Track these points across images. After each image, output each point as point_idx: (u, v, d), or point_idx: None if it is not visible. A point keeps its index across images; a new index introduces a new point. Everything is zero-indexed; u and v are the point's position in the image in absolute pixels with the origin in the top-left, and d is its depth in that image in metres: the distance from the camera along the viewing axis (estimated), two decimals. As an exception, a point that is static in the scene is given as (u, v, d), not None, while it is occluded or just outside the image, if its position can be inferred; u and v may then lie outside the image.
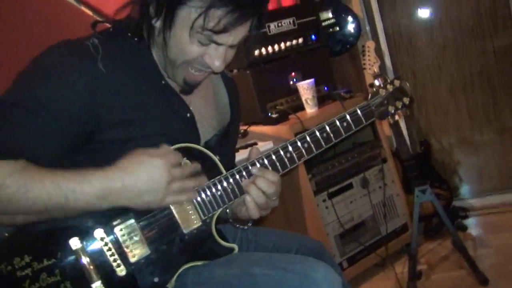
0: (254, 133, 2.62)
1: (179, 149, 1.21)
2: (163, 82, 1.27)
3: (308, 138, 1.30)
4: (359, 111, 1.36)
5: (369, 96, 1.42)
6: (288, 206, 2.61)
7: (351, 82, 3.27)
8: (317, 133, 1.31)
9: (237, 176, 1.25)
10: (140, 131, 1.18)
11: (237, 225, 1.39)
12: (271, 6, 3.22)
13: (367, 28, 3.19)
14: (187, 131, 1.29)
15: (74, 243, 1.13)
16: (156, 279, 1.19)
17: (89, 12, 2.63)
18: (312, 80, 2.63)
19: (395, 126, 2.91)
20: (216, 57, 1.20)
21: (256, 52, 2.62)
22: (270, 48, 2.67)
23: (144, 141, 1.17)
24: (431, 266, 2.63)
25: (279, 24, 2.69)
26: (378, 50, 3.01)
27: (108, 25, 1.27)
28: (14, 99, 1.09)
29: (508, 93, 3.06)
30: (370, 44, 2.89)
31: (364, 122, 1.37)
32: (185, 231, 1.22)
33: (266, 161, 1.28)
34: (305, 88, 2.63)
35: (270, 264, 1.21)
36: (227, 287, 1.20)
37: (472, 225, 2.98)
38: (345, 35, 3.11)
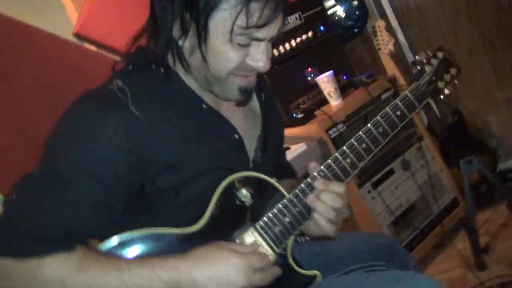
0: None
1: (233, 181, 1.12)
2: (204, 106, 1.15)
3: (364, 137, 1.21)
4: (410, 95, 1.26)
5: (417, 76, 1.31)
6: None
7: (368, 66, 3.18)
8: (373, 129, 1.22)
9: (302, 196, 1.15)
10: (192, 171, 1.08)
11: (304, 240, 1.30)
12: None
13: (374, 8, 3.09)
14: (237, 155, 1.19)
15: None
16: None
17: (93, 48, 2.58)
18: (331, 72, 2.55)
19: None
20: (261, 55, 1.07)
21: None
22: (281, 48, 2.60)
23: (200, 181, 1.08)
24: (492, 236, 2.52)
25: (286, 22, 2.61)
26: (389, 28, 2.92)
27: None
28: (50, 172, 0.98)
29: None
30: (381, 24, 2.81)
31: (417, 106, 1.27)
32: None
33: (327, 172, 1.18)
34: (326, 81, 2.55)
35: None
36: None
37: (524, 185, 2.86)
38: (352, 19, 3.02)
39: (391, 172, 2.56)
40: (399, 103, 1.25)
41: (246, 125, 1.26)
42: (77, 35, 2.49)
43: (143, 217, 1.07)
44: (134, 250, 1.02)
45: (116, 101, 1.02)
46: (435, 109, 2.97)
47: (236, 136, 1.19)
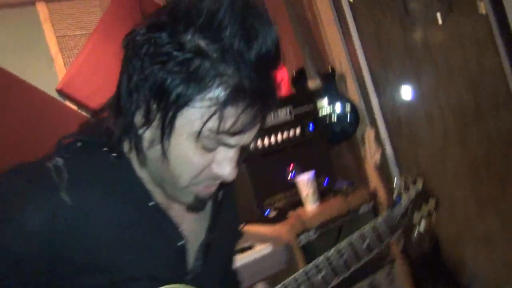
0: (250, 234, 2.40)
1: None
2: (150, 203, 1.02)
3: (321, 266, 1.10)
4: (383, 224, 1.21)
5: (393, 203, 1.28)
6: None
7: (352, 173, 3.11)
8: (334, 258, 1.13)
9: None
10: (119, 277, 0.95)
11: None
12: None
13: (366, 116, 3.07)
14: (176, 263, 1.06)
15: None
16: None
17: (74, 107, 2.49)
18: (312, 173, 2.47)
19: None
20: (227, 162, 0.94)
21: (252, 145, 2.46)
22: (266, 140, 2.53)
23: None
24: None
25: (275, 115, 2.57)
26: (377, 138, 2.88)
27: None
28: None
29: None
30: (370, 133, 2.78)
31: (390, 237, 1.23)
32: None
33: None
34: (305, 183, 2.47)
35: None
36: None
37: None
38: (343, 124, 2.98)
39: (357, 293, 2.41)
40: (370, 233, 1.19)
41: (193, 227, 1.12)
42: (60, 91, 2.42)
43: None
44: None
45: (46, 183, 0.91)
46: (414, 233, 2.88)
47: (180, 243, 1.06)
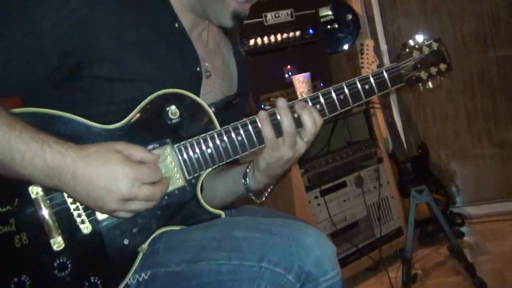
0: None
1: (169, 94, 1.08)
2: (176, 24, 1.14)
3: (321, 99, 1.14)
4: (385, 73, 1.18)
5: (400, 57, 1.23)
6: (278, 200, 2.48)
7: (348, 82, 3.18)
8: (333, 94, 1.15)
9: (233, 134, 1.10)
10: (135, 73, 1.06)
11: (252, 197, 1.22)
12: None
13: (367, 27, 3.11)
14: (187, 86, 1.13)
15: (35, 190, 0.99)
16: (126, 241, 1.05)
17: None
18: (308, 73, 2.52)
19: (391, 127, 2.82)
20: None
21: (252, 42, 2.52)
22: (266, 39, 2.57)
23: (139, 86, 1.06)
24: (426, 272, 2.49)
25: (276, 15, 2.61)
26: (377, 50, 2.93)
27: None
28: None
29: (509, 100, 2.98)
30: (369, 43, 2.81)
31: (389, 86, 1.19)
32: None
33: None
34: (301, 81, 2.52)
35: (254, 227, 1.07)
36: (204, 251, 1.05)
37: (469, 232, 2.85)
38: (344, 32, 3.02)
39: (343, 185, 2.53)
40: (371, 78, 1.17)
41: (214, 75, 1.24)
42: None
43: (67, 101, 1.04)
44: (38, 123, 0.97)
45: None
46: (402, 138, 2.98)
47: (198, 68, 1.16)
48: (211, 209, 1.13)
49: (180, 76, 1.14)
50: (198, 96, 1.16)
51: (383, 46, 3.13)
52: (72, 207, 1.01)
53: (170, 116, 1.08)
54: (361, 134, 2.73)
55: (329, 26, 2.97)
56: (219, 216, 1.13)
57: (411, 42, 1.26)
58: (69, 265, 1.01)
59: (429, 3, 3.06)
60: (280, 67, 2.64)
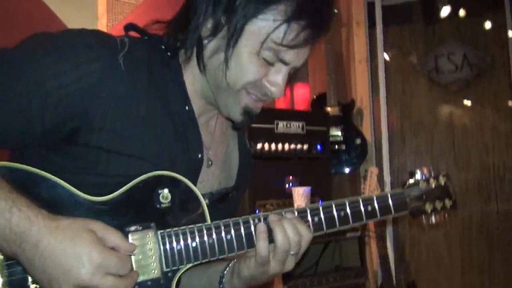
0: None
1: (164, 177, 1.02)
2: (186, 107, 1.11)
3: (322, 214, 1.09)
4: (390, 199, 1.15)
5: (406, 185, 1.20)
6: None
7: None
8: (334, 209, 1.10)
9: (223, 232, 1.02)
10: (134, 149, 1.01)
11: None
12: (283, 105, 3.21)
13: (373, 155, 3.13)
14: (185, 171, 1.07)
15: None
16: None
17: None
18: (308, 188, 2.49)
19: (384, 260, 2.72)
20: (279, 79, 1.05)
21: (259, 146, 2.53)
22: (273, 146, 2.58)
23: (135, 163, 1.01)
24: None
25: (288, 125, 2.64)
26: (380, 180, 2.92)
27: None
28: (6, 54, 0.94)
29: (506, 257, 2.91)
30: (374, 170, 2.81)
31: (392, 212, 1.16)
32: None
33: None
34: (300, 194, 2.49)
35: None
36: None
37: None
38: (350, 155, 3.04)
39: (325, 311, 2.39)
40: (375, 200, 1.14)
41: (215, 165, 1.20)
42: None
43: (56, 164, 0.98)
44: (18, 181, 0.91)
45: (111, 45, 1.01)
46: (393, 274, 2.86)
47: (199, 155, 1.12)
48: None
49: (179, 160, 1.09)
50: (195, 184, 1.10)
51: (387, 178, 3.12)
52: (31, 279, 0.91)
53: (161, 199, 1.01)
54: (351, 261, 2.64)
55: (337, 146, 3.00)
56: None
57: (418, 173, 1.24)
58: None
59: (437, 145, 3.11)
60: (282, 176, 2.62)
